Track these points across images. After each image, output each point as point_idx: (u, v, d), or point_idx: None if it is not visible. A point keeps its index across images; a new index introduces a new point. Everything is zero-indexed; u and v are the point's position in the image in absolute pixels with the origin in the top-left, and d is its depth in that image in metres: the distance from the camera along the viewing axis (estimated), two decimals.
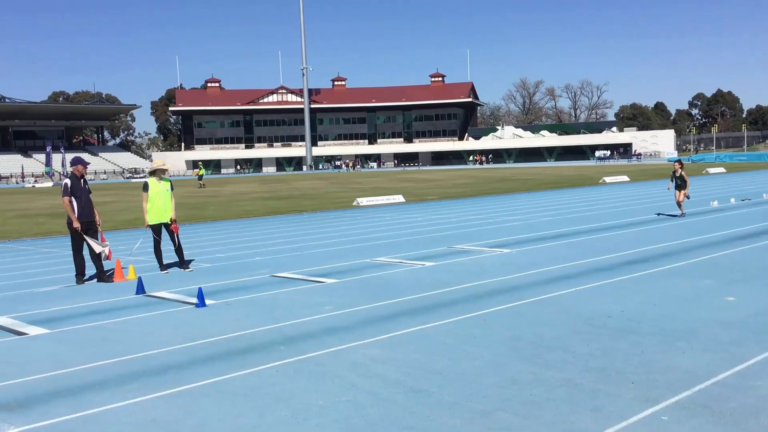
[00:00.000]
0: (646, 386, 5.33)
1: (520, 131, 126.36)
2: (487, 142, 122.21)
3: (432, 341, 6.89)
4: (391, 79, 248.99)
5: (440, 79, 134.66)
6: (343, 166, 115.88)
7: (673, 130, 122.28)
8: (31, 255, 15.89)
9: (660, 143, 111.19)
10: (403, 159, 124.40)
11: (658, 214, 19.04)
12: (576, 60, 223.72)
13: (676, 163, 18.07)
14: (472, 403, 5.10)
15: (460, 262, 12.13)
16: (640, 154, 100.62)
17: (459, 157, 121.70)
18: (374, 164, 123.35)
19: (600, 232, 15.65)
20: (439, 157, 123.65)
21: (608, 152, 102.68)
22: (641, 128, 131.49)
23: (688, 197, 18.26)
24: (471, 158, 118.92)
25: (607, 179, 41.17)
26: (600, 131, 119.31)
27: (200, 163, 73.28)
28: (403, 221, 20.98)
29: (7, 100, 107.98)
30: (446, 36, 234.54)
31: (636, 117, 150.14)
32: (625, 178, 42.59)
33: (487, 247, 13.92)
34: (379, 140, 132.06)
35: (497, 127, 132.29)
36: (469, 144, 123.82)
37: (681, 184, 17.76)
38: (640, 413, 4.77)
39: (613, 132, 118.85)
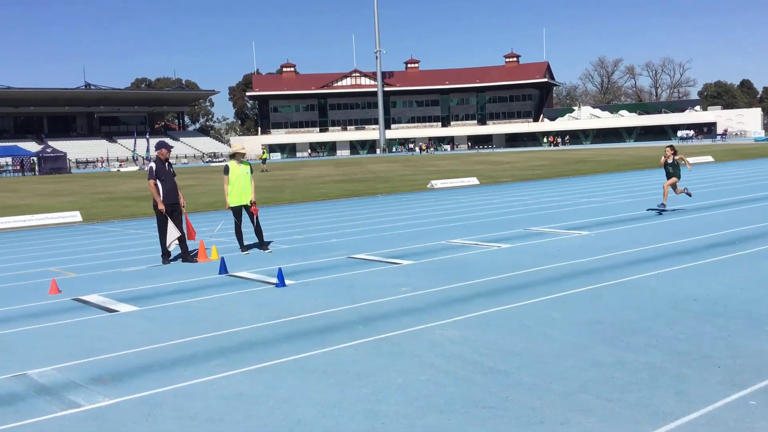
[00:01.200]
0: (733, 371, 5.18)
1: (597, 111, 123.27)
2: (563, 123, 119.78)
3: (510, 323, 6.87)
4: (465, 61, 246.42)
5: (515, 59, 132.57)
6: (417, 148, 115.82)
7: (759, 109, 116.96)
8: (118, 236, 16.55)
9: (746, 122, 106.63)
10: (476, 141, 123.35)
11: (745, 196, 18.33)
12: (657, 37, 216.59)
13: (668, 149, 15.78)
14: (552, 385, 5.07)
15: (537, 244, 12.00)
16: (725, 134, 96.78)
17: (534, 138, 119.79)
18: (447, 147, 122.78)
19: (682, 214, 15.19)
20: (513, 139, 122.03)
21: (691, 132, 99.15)
22: (726, 107, 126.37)
23: (688, 194, 16.07)
24: (545, 140, 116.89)
25: (690, 160, 39.83)
26: (682, 110, 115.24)
27: (265, 147, 74.41)
28: (477, 203, 20.87)
29: (92, 87, 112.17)
30: (521, 15, 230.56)
31: (720, 95, 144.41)
32: (710, 158, 41.09)
33: (564, 229, 13.71)
34: (452, 123, 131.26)
35: (573, 108, 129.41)
36: (544, 125, 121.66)
37: (674, 171, 15.62)
38: (726, 398, 4.65)
39: (696, 111, 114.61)
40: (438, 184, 29.66)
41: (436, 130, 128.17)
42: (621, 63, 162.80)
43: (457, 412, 4.65)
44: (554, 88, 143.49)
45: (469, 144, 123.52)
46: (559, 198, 21.25)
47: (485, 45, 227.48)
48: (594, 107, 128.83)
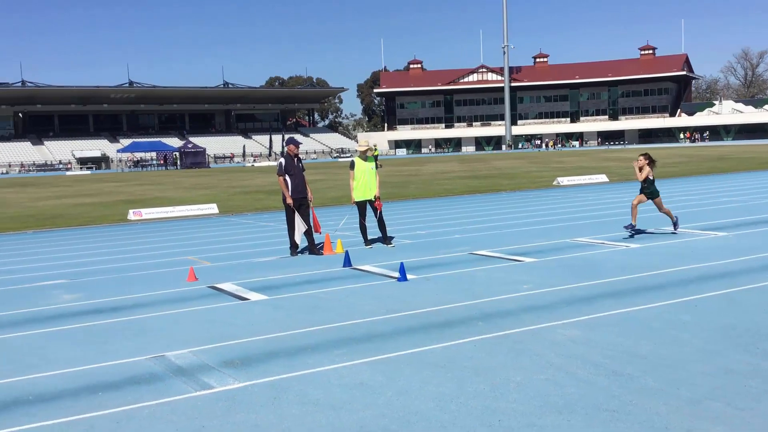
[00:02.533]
0: None
1: (740, 106, 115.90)
2: (702, 118, 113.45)
3: (636, 325, 6.65)
4: (596, 55, 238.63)
5: (650, 52, 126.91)
6: (544, 145, 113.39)
7: None
8: (251, 228, 17.30)
9: None
10: (606, 137, 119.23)
11: None
12: None
13: (641, 158, 12.43)
14: (680, 391, 4.88)
15: (669, 244, 11.50)
16: None
17: (669, 134, 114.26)
18: (576, 143, 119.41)
19: None
20: (647, 135, 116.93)
21: None
22: None
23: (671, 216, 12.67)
24: (682, 135, 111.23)
25: None
26: None
27: (375, 144, 75.23)
28: (606, 201, 20.22)
29: (230, 86, 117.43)
30: (657, 7, 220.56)
31: None
32: None
33: (700, 229, 13.06)
34: (581, 118, 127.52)
35: (714, 102, 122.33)
36: (681, 120, 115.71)
37: (647, 186, 12.40)
38: None
39: None
40: (564, 181, 28.96)
41: (564, 126, 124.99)
42: (766, 55, 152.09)
43: (576, 413, 4.58)
44: (693, 81, 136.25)
45: (599, 140, 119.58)
46: (696, 197, 20.22)
47: (618, 38, 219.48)
48: (736, 101, 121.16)
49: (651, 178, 12.37)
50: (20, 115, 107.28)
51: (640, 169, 12.34)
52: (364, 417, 4.69)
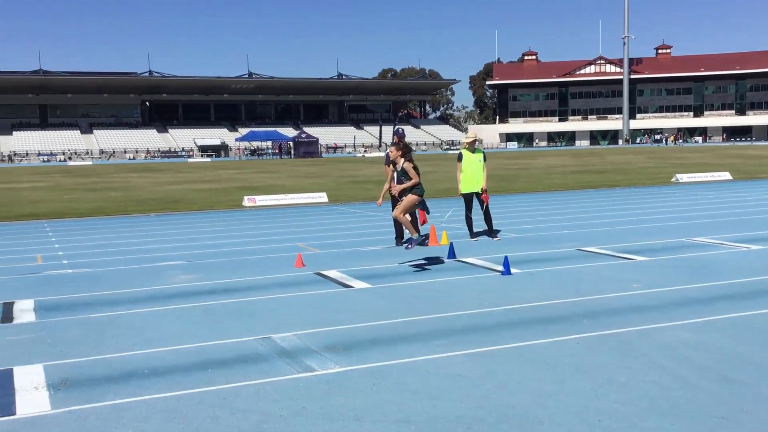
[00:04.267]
0: None
1: None
2: None
3: (752, 330, 6.31)
4: (723, 46, 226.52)
5: None
6: (664, 140, 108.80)
7: None
8: (358, 217, 17.57)
9: None
10: (733, 133, 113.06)
11: None
12: None
13: (391, 148, 10.25)
14: None
15: None
16: None
17: None
18: (699, 138, 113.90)
19: None
20: None
21: None
22: None
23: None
24: None
25: None
26: None
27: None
28: (728, 200, 19.21)
29: (344, 78, 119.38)
30: None
31: None
32: None
33: None
34: (705, 112, 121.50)
35: None
36: None
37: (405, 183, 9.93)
38: None
39: None
40: (684, 177, 27.72)
41: (686, 121, 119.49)
42: None
43: (682, 417, 4.41)
44: None
45: (724, 136, 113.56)
46: None
47: (746, 29, 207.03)
48: None
49: (404, 169, 9.87)
50: (147, 103, 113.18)
51: (405, 154, 9.91)
52: (460, 407, 4.70)
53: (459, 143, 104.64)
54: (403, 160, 9.80)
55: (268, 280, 9.49)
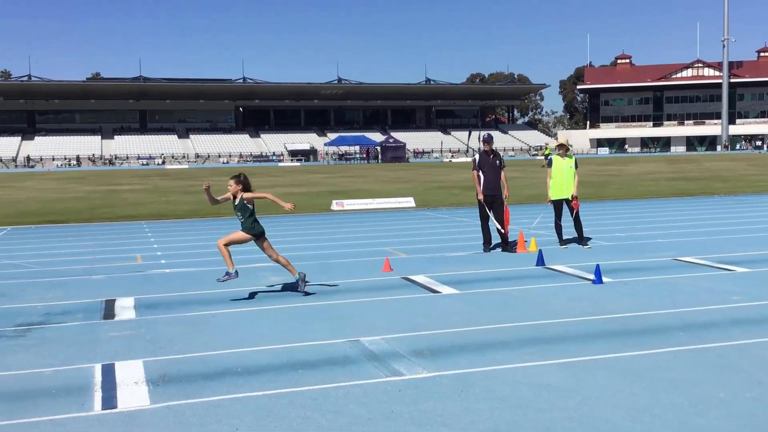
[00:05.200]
0: None
1: None
2: None
3: None
4: None
5: None
6: (766, 146, 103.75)
7: None
8: (446, 222, 17.54)
9: None
10: None
11: None
12: None
13: (230, 181, 9.11)
14: None
15: None
16: None
17: None
18: None
19: None
20: None
21: None
22: None
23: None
24: None
25: None
26: None
27: (547, 144, 72.58)
28: None
29: (432, 83, 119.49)
30: None
31: None
32: None
33: None
34: None
35: None
36: None
37: (243, 219, 9.03)
38: None
39: None
40: None
41: None
42: None
43: None
44: None
45: None
46: None
47: None
48: None
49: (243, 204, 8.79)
50: (240, 109, 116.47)
51: (243, 190, 8.84)
52: (550, 418, 4.62)
53: (536, 148, 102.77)
54: (242, 194, 8.73)
55: (356, 283, 9.59)
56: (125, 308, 8.26)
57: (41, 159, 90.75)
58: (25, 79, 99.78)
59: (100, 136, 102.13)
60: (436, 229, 16.13)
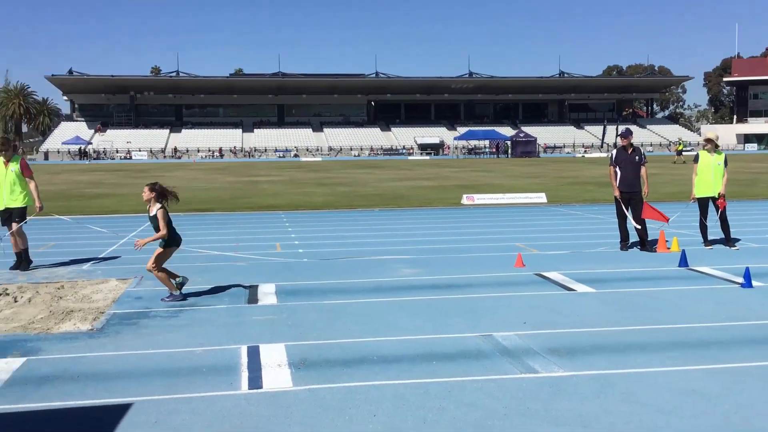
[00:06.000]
0: None
1: None
2: None
3: None
4: None
5: None
6: None
7: None
8: (579, 219, 17.10)
9: None
10: None
11: None
12: None
13: (146, 188, 8.63)
14: None
15: None
16: None
17: None
18: None
19: None
20: None
21: None
22: None
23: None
24: None
25: None
26: None
27: (680, 139, 68.25)
28: None
29: (565, 76, 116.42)
30: None
31: None
32: None
33: None
34: None
35: None
36: None
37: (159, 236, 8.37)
38: None
39: None
40: None
41: None
42: None
43: None
44: None
45: None
46: None
47: None
48: None
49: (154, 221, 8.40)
50: (372, 103, 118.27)
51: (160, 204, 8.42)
52: (695, 426, 4.44)
53: (690, 144, 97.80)
54: (158, 205, 8.34)
55: (488, 278, 9.55)
56: (267, 294, 8.64)
57: (187, 150, 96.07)
58: (174, 75, 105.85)
59: (241, 130, 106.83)
60: (569, 226, 15.76)
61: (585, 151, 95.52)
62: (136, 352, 6.28)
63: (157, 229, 8.32)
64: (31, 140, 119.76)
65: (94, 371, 5.74)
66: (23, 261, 10.49)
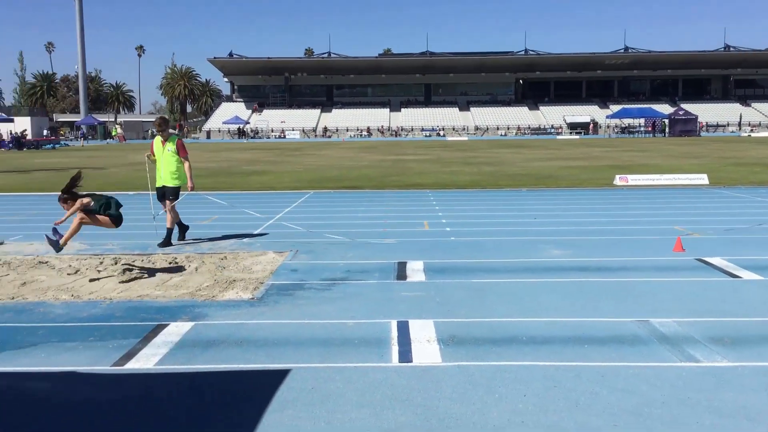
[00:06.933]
0: None
1: None
2: None
3: None
4: None
5: None
6: None
7: None
8: (745, 202, 15.99)
9: None
10: None
11: None
12: None
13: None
14: None
15: None
16: None
17: None
18: None
19: None
20: None
21: None
22: None
23: None
24: None
25: None
26: None
27: None
28: None
29: (731, 49, 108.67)
30: None
31: None
32: None
33: None
34: None
35: None
36: None
37: None
38: None
39: None
40: None
41: None
42: None
43: None
44: None
45: None
46: None
47: None
48: None
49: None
50: (520, 81, 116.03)
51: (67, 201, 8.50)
52: None
53: None
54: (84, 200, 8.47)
55: (644, 261, 9.17)
56: (416, 271, 8.76)
57: (336, 130, 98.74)
58: (326, 56, 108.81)
59: (388, 109, 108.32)
60: (734, 209, 14.78)
61: (751, 130, 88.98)
62: (293, 321, 6.58)
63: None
64: (194, 120, 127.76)
65: (255, 337, 6.08)
66: (181, 231, 11.07)
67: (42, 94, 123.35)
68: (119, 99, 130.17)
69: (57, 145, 67.50)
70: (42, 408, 4.64)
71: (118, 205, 8.73)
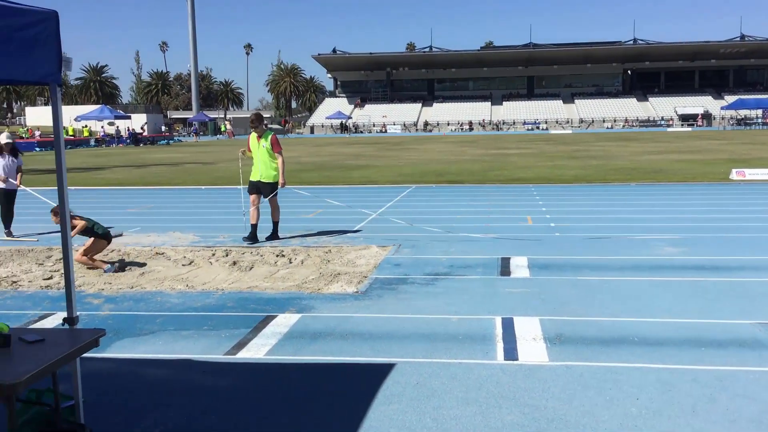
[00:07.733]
0: None
1: None
2: None
3: None
4: None
5: None
6: None
7: None
8: None
9: None
10: None
11: None
12: None
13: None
14: None
15: None
16: None
17: None
18: None
19: None
20: None
21: None
22: None
23: None
24: None
25: None
26: None
27: None
28: None
29: None
30: None
31: None
32: None
33: None
34: None
35: None
36: None
37: None
38: None
39: None
40: None
41: None
42: None
43: None
44: None
45: None
46: None
47: None
48: None
49: None
50: (629, 72, 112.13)
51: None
52: None
53: None
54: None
55: (764, 261, 8.68)
56: (520, 266, 8.63)
57: (437, 124, 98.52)
58: (427, 50, 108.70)
59: (489, 102, 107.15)
60: None
61: None
62: (396, 315, 6.62)
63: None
64: (298, 115, 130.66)
65: (360, 331, 6.16)
66: (273, 232, 10.98)
67: (157, 92, 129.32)
68: (228, 96, 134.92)
69: (171, 141, 70.64)
70: (161, 393, 4.86)
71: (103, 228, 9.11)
